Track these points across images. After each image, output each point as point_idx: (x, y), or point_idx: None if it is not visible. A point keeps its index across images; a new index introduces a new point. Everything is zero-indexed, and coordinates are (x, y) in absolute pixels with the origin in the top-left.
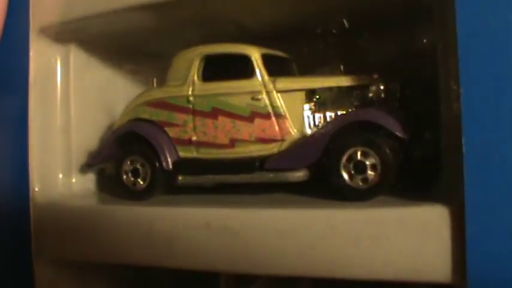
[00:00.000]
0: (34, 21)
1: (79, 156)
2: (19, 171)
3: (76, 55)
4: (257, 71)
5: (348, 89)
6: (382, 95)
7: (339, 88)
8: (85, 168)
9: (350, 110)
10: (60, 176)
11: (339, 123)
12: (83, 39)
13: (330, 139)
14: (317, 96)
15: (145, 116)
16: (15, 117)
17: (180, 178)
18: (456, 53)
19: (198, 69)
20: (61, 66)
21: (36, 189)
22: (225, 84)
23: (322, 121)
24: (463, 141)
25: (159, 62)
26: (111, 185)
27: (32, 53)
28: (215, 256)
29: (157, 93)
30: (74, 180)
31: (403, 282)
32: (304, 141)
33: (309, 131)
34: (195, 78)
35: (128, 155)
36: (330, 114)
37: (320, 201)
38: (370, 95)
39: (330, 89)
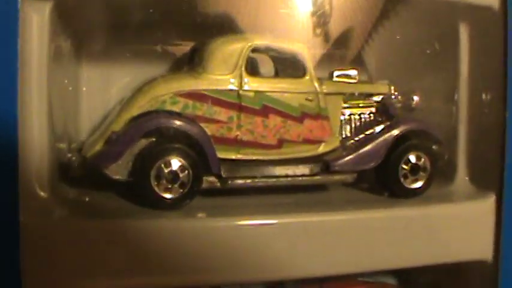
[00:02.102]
0: None
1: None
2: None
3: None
4: (309, 71)
5: (367, 94)
6: (413, 105)
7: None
8: (76, 169)
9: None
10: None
11: (398, 130)
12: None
13: (391, 144)
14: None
15: (175, 108)
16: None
17: (230, 182)
18: None
19: (247, 61)
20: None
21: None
22: (278, 81)
23: (348, 123)
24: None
25: None
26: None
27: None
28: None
29: (194, 83)
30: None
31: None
32: (367, 146)
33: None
34: (243, 70)
35: (160, 156)
36: (354, 117)
37: (377, 199)
38: (399, 104)
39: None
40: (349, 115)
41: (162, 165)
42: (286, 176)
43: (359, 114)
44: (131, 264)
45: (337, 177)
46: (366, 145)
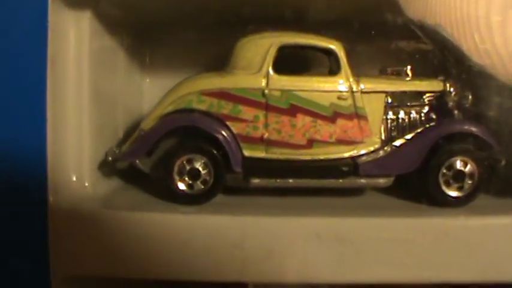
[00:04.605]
0: None
1: (93, 152)
2: (37, 171)
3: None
4: (343, 68)
5: (420, 92)
6: (467, 104)
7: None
8: (111, 163)
9: (429, 117)
10: (74, 178)
11: (439, 132)
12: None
13: (431, 148)
14: (389, 98)
15: (201, 106)
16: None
17: (256, 181)
18: None
19: (274, 60)
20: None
21: (52, 196)
22: (307, 79)
23: (395, 123)
24: None
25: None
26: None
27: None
28: (323, 267)
29: (219, 82)
30: (96, 183)
31: None
32: (403, 148)
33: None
34: (270, 69)
35: (182, 153)
36: (401, 117)
37: (412, 206)
38: (451, 103)
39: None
40: (396, 115)
41: (184, 162)
42: (313, 177)
43: (408, 114)
44: (146, 256)
45: (364, 180)
46: (401, 148)
